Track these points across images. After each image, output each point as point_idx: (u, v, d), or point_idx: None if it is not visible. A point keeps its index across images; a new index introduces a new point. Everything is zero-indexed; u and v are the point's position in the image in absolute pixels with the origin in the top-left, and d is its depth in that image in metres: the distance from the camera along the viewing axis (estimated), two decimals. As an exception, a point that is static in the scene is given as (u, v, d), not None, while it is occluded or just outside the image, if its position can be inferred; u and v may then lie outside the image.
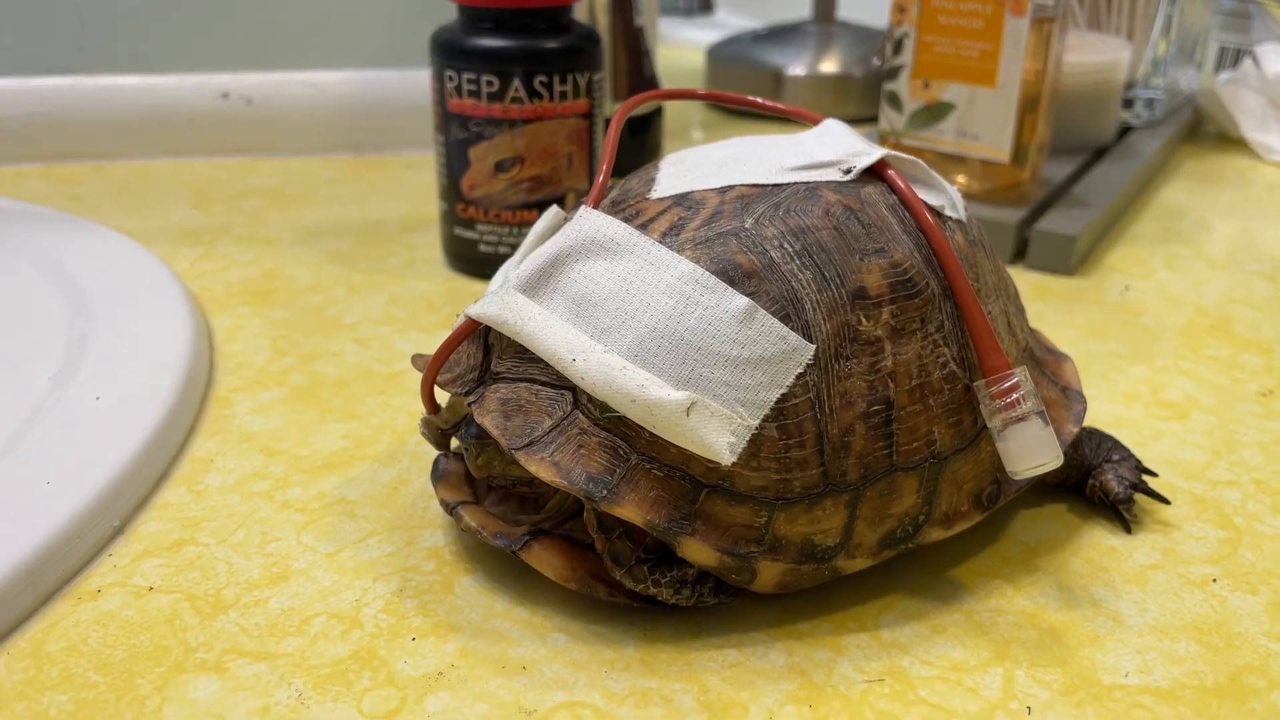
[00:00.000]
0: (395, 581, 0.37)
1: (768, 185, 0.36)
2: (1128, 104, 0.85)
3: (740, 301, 0.33)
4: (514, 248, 0.60)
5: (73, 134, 0.80)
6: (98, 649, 0.34)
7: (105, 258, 0.59)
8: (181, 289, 0.56)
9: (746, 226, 0.34)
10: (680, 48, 1.29)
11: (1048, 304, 0.60)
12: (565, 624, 0.35)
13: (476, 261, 0.61)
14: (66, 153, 0.81)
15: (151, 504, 0.41)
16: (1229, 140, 0.93)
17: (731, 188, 0.36)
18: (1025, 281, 0.63)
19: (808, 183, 0.36)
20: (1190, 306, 0.60)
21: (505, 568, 0.38)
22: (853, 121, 0.97)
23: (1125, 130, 0.85)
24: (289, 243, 0.67)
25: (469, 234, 0.60)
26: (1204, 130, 0.96)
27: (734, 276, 0.33)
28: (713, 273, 0.33)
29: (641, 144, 0.80)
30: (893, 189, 0.37)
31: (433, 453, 0.45)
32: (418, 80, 0.84)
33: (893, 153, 0.38)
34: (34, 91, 0.79)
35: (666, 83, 1.07)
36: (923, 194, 0.37)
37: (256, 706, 0.32)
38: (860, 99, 0.97)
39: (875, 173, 0.37)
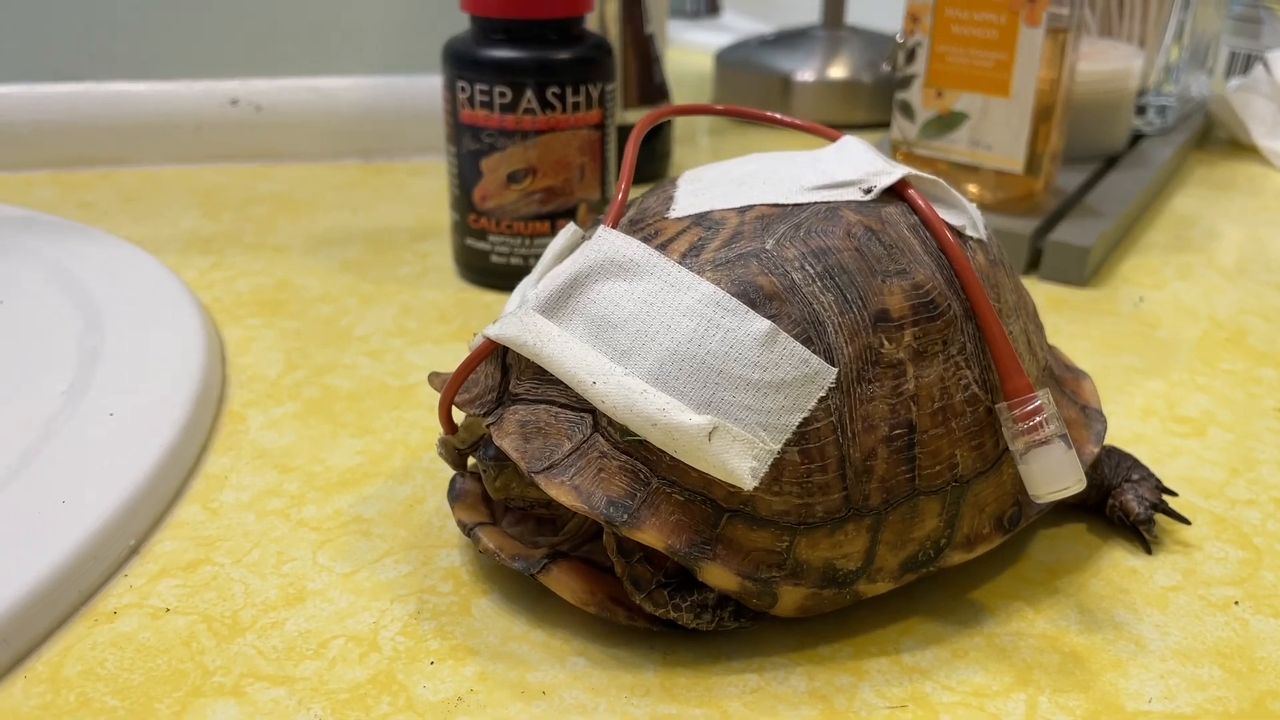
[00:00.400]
0: (413, 603, 0.37)
1: (788, 205, 0.36)
2: (1140, 111, 0.85)
3: (762, 324, 0.32)
4: (526, 259, 0.60)
5: (81, 140, 0.80)
6: (115, 672, 0.34)
7: (116, 268, 0.59)
8: (192, 300, 0.55)
9: (767, 248, 0.34)
10: (687, 50, 1.29)
11: (1062, 315, 0.60)
12: (584, 648, 0.35)
13: (488, 273, 0.61)
14: (75, 159, 0.81)
15: (167, 522, 0.41)
16: (1240, 147, 0.93)
17: (751, 207, 0.36)
18: (1039, 292, 0.63)
19: (828, 202, 0.36)
20: (1204, 318, 0.60)
21: (523, 590, 0.37)
22: (862, 127, 0.96)
23: (1137, 138, 0.85)
24: (299, 251, 0.67)
25: (481, 245, 0.60)
26: (1215, 136, 0.96)
27: (755, 299, 0.33)
28: (734, 295, 0.33)
29: (650, 151, 0.80)
30: (913, 209, 0.37)
31: (447, 469, 0.44)
32: (426, 87, 0.83)
33: (913, 172, 0.38)
34: (42, 98, 0.79)
35: (675, 88, 1.07)
36: (944, 214, 0.37)
37: (275, 732, 0.32)
38: (870, 105, 0.97)
39: (896, 192, 0.37)
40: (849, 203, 0.36)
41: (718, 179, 0.38)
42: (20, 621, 0.34)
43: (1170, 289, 0.64)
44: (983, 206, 0.67)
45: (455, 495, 0.39)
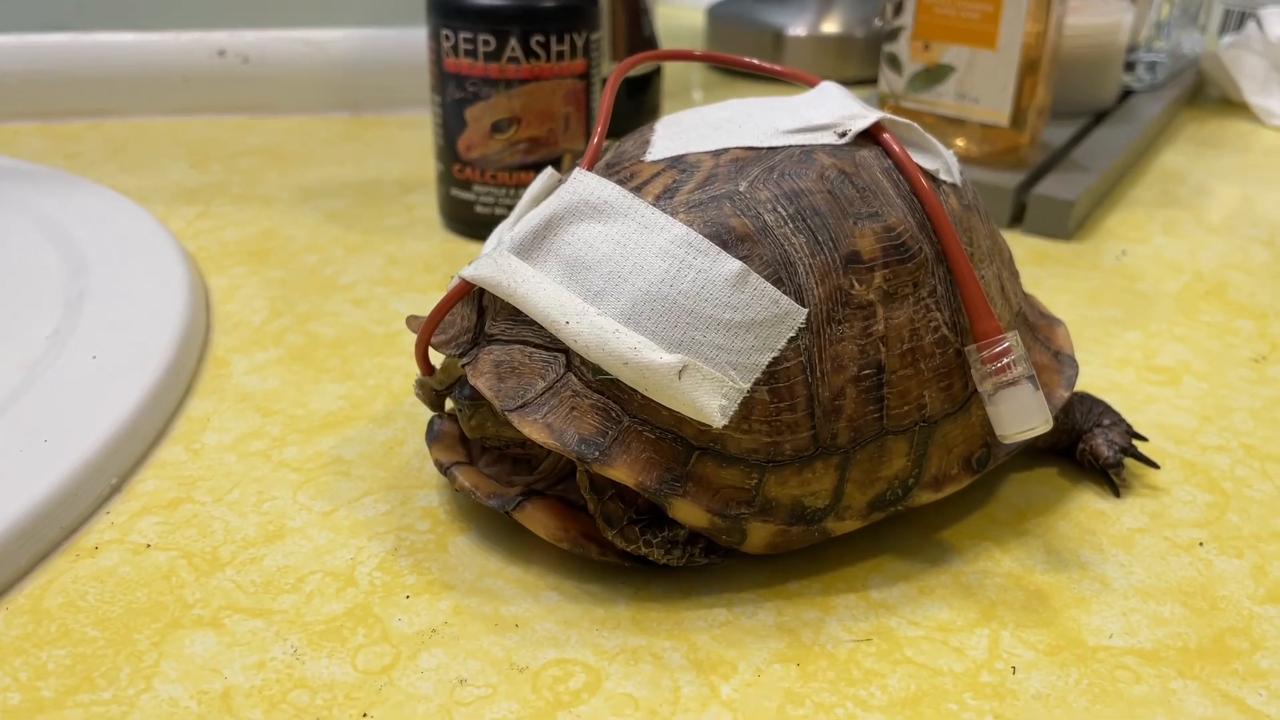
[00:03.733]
0: (390, 540, 0.37)
1: (762, 148, 0.36)
2: (1129, 67, 0.85)
3: (733, 265, 0.33)
4: (510, 209, 0.60)
5: (69, 91, 0.80)
6: (95, 605, 0.34)
7: (102, 217, 0.59)
8: (178, 248, 0.56)
9: (740, 190, 0.34)
10: (679, 7, 1.28)
11: (1044, 269, 0.60)
12: (557, 583, 0.36)
13: (473, 223, 0.61)
14: (63, 110, 0.81)
15: (149, 462, 0.41)
16: (1230, 104, 0.93)
17: (726, 151, 0.36)
18: (1022, 246, 0.63)
19: (803, 146, 0.36)
20: (1186, 272, 0.60)
21: (498, 527, 0.38)
22: (853, 83, 0.96)
23: (1126, 93, 0.85)
24: (286, 202, 0.67)
25: (465, 195, 0.60)
26: (1206, 94, 0.95)
27: (727, 240, 0.33)
28: (706, 236, 0.33)
29: (639, 105, 0.79)
30: (887, 153, 0.37)
31: (428, 413, 0.45)
32: (416, 39, 0.83)
33: (888, 116, 0.38)
34: (30, 48, 0.79)
35: (666, 43, 1.07)
36: (917, 158, 0.37)
37: (252, 661, 0.32)
38: (861, 60, 0.97)
39: (871, 136, 0.37)
40: (823, 146, 0.36)
41: (695, 123, 0.39)
42: (2, 555, 0.34)
43: (1154, 243, 0.64)
44: (968, 159, 0.67)
45: (433, 436, 0.39)
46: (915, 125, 0.38)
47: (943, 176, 0.38)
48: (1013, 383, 0.35)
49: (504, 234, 0.39)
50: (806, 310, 0.33)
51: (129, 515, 0.38)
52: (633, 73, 0.75)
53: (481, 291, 0.37)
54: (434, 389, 0.40)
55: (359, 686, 0.31)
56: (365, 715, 0.30)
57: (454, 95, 0.58)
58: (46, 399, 0.42)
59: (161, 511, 0.39)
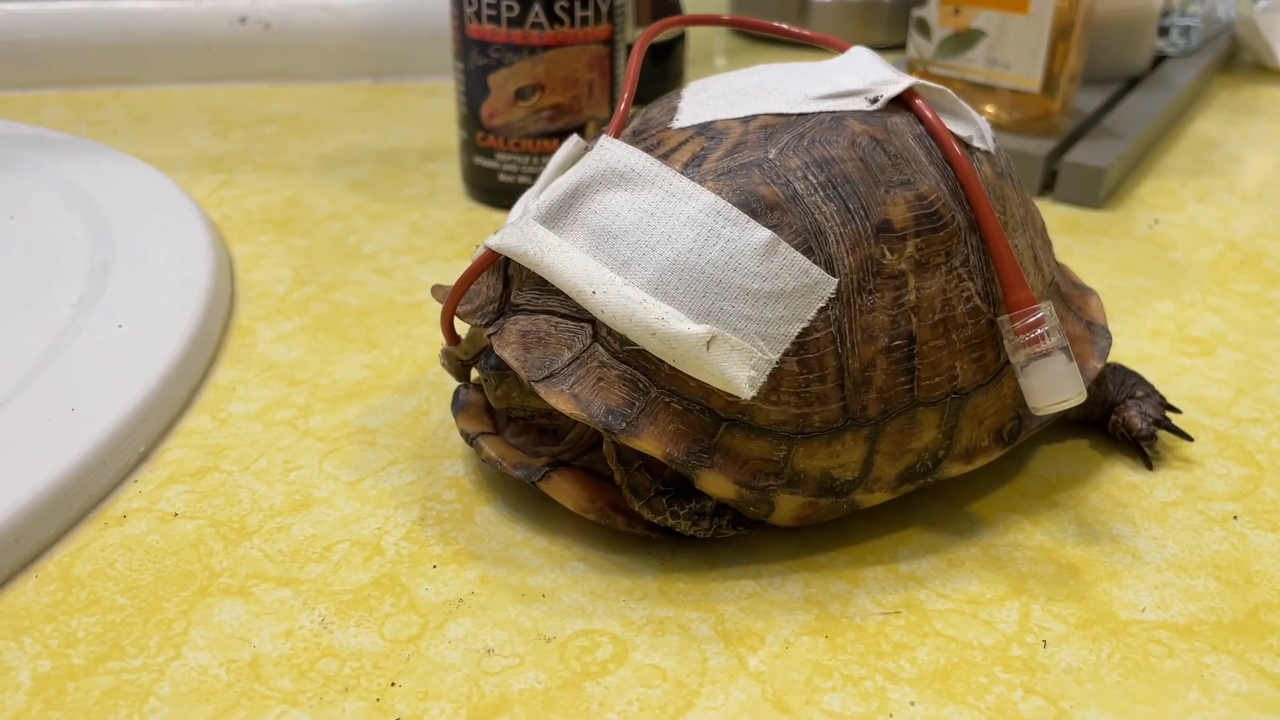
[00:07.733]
0: (416, 510, 0.37)
1: (792, 115, 0.36)
2: (1163, 32, 0.83)
3: (762, 234, 0.32)
4: (534, 177, 0.59)
5: (91, 59, 0.80)
6: (124, 573, 0.34)
7: (126, 185, 0.59)
8: (202, 217, 0.56)
9: (770, 157, 0.34)
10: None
11: (1075, 237, 0.59)
12: (584, 553, 0.35)
13: (496, 191, 0.60)
14: (86, 78, 0.80)
15: (176, 431, 0.42)
16: (1265, 70, 0.91)
17: (755, 117, 0.36)
18: (1053, 214, 0.62)
19: (833, 112, 0.36)
20: (1220, 241, 0.59)
21: (525, 498, 0.38)
22: (880, 49, 0.95)
23: (1159, 59, 0.83)
24: (309, 170, 0.67)
25: (489, 163, 0.60)
26: (1239, 59, 0.94)
27: (756, 209, 0.33)
28: (735, 205, 0.33)
29: (664, 71, 0.79)
30: (920, 119, 0.36)
31: (453, 382, 0.45)
32: (438, 4, 0.82)
33: (921, 81, 0.37)
34: (52, 15, 0.79)
35: (690, 7, 1.06)
36: (951, 124, 0.37)
37: (280, 630, 0.32)
38: (889, 25, 0.95)
39: (902, 102, 0.37)
40: (854, 112, 0.36)
41: (723, 90, 0.38)
42: (31, 522, 0.35)
43: (1187, 212, 0.63)
44: (999, 126, 0.66)
45: (459, 406, 0.39)
46: (948, 91, 0.38)
47: (976, 143, 0.37)
48: (1046, 354, 0.34)
49: (529, 202, 0.38)
50: (837, 280, 0.33)
51: (156, 484, 0.39)
52: (657, 38, 0.74)
53: (507, 261, 0.36)
54: (459, 359, 0.40)
55: (387, 655, 0.31)
56: (393, 684, 0.31)
57: (477, 62, 0.57)
58: (73, 368, 0.42)
59: (189, 480, 0.39)
